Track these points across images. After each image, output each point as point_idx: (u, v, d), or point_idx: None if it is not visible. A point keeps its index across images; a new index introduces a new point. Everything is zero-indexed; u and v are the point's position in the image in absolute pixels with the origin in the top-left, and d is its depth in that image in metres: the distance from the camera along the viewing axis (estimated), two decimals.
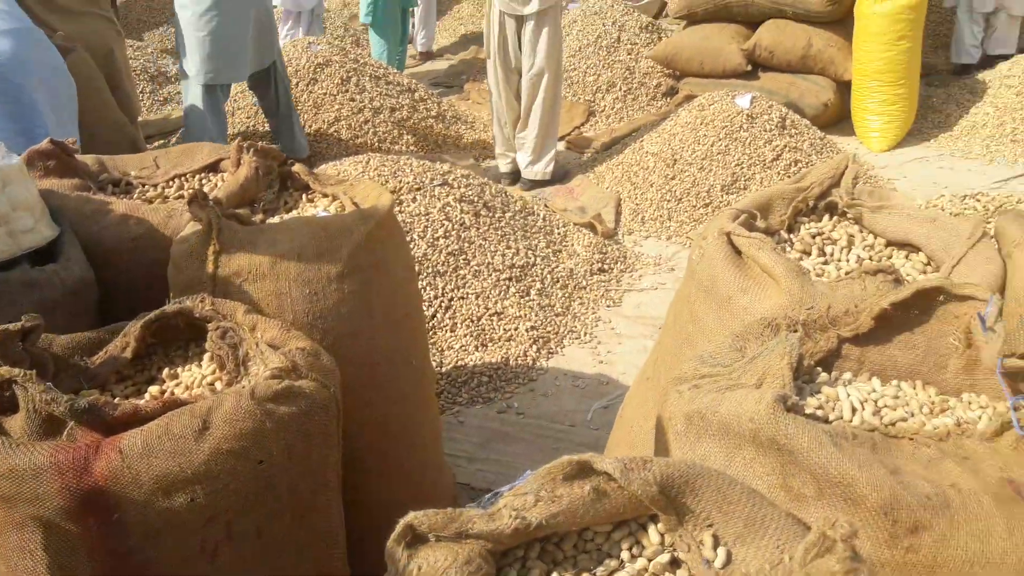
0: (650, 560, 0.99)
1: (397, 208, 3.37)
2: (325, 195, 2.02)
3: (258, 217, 1.94)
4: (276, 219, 1.92)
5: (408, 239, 3.32)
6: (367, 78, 5.07)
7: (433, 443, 2.15)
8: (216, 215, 1.72)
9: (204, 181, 2.14)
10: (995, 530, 0.97)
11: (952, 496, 0.99)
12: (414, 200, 3.43)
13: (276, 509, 1.40)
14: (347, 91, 4.97)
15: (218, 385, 1.46)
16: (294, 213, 1.97)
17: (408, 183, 3.47)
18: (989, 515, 0.97)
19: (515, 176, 4.75)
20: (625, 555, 1.00)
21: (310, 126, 4.88)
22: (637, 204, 4.35)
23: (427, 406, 2.08)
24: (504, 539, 0.90)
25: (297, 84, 4.93)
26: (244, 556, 1.37)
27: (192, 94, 4.25)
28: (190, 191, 1.98)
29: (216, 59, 4.16)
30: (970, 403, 1.21)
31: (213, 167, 2.18)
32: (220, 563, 1.37)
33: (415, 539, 0.89)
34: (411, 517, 0.89)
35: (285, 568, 1.44)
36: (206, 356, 1.53)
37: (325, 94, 4.94)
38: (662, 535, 1.00)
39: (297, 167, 2.02)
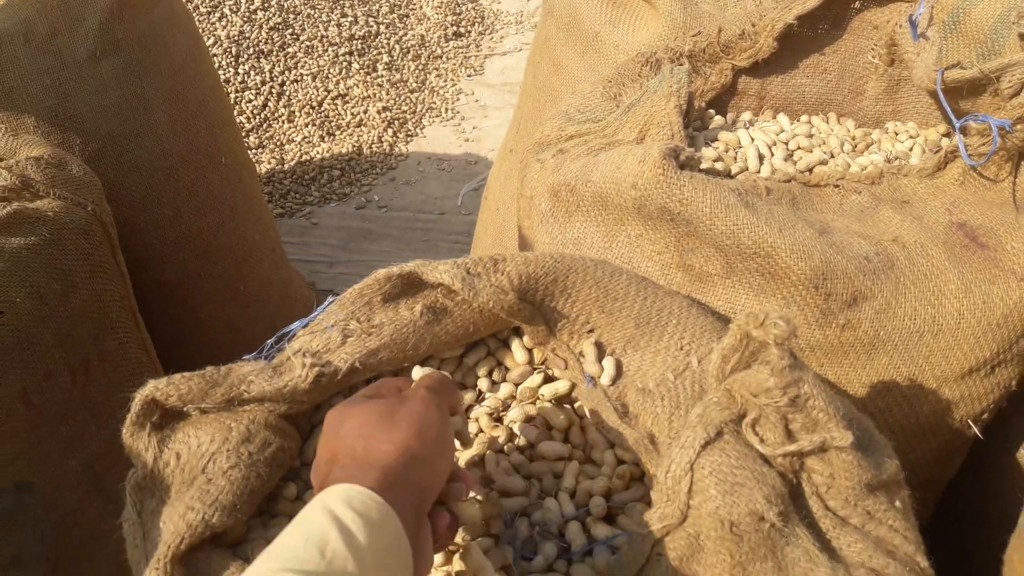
0: (517, 384, 0.74)
1: None
2: None
3: None
4: None
5: (219, 15, 2.76)
6: None
7: (271, 252, 1.82)
8: None
9: None
10: (948, 289, 0.76)
11: (896, 253, 0.77)
12: None
13: (44, 368, 1.07)
14: None
15: None
16: None
17: None
18: (940, 271, 0.76)
19: None
20: (483, 383, 0.74)
21: None
22: None
23: (254, 212, 1.73)
24: (302, 396, 0.62)
25: None
26: (12, 430, 1.06)
27: None
28: None
29: None
30: (897, 134, 0.97)
31: None
32: None
33: (165, 417, 0.60)
34: (150, 388, 0.59)
35: (77, 433, 1.14)
36: None
37: None
38: (530, 351, 0.75)
39: None
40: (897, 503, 0.63)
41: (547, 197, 0.91)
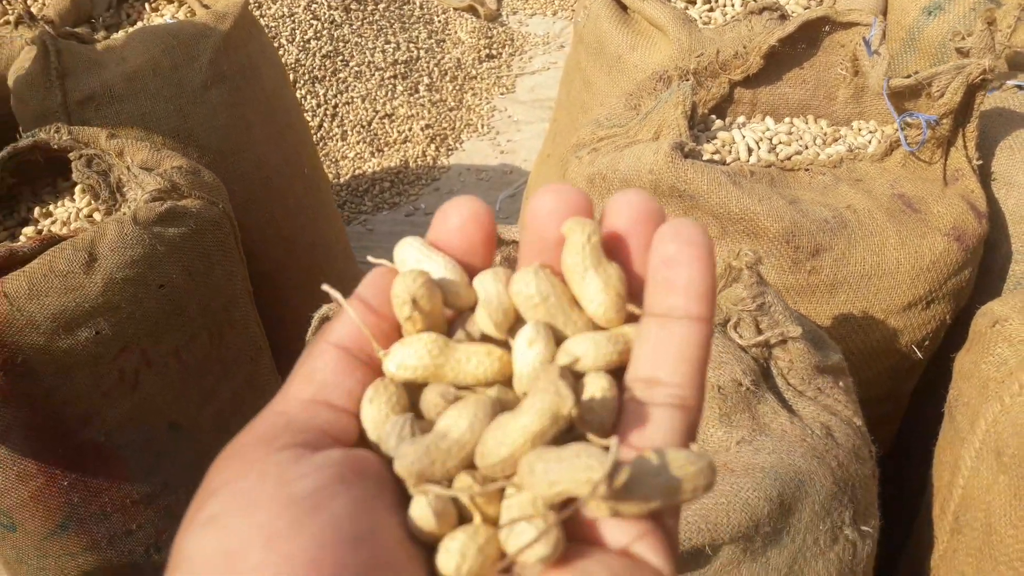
0: None
1: (257, 13, 3.09)
2: (169, 0, 1.81)
3: (100, 35, 1.74)
4: (120, 34, 1.72)
5: (276, 45, 3.08)
6: None
7: (343, 251, 2.12)
8: (51, 36, 1.53)
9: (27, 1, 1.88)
10: (888, 243, 1.02)
11: (848, 216, 1.03)
12: (275, 1, 3.14)
13: (191, 331, 1.36)
14: None
15: (97, 216, 1.36)
16: (139, 25, 1.77)
17: None
18: (882, 229, 1.02)
19: None
20: None
21: None
22: None
23: (329, 216, 2.02)
24: None
25: None
26: (168, 380, 1.35)
27: None
28: (14, 13, 1.73)
29: None
30: (860, 129, 1.24)
31: None
32: (145, 390, 1.35)
33: None
34: (324, 309, 0.87)
35: (213, 385, 1.43)
36: (77, 189, 1.42)
37: None
38: None
39: None
40: (841, 384, 0.89)
41: (585, 184, 1.19)
